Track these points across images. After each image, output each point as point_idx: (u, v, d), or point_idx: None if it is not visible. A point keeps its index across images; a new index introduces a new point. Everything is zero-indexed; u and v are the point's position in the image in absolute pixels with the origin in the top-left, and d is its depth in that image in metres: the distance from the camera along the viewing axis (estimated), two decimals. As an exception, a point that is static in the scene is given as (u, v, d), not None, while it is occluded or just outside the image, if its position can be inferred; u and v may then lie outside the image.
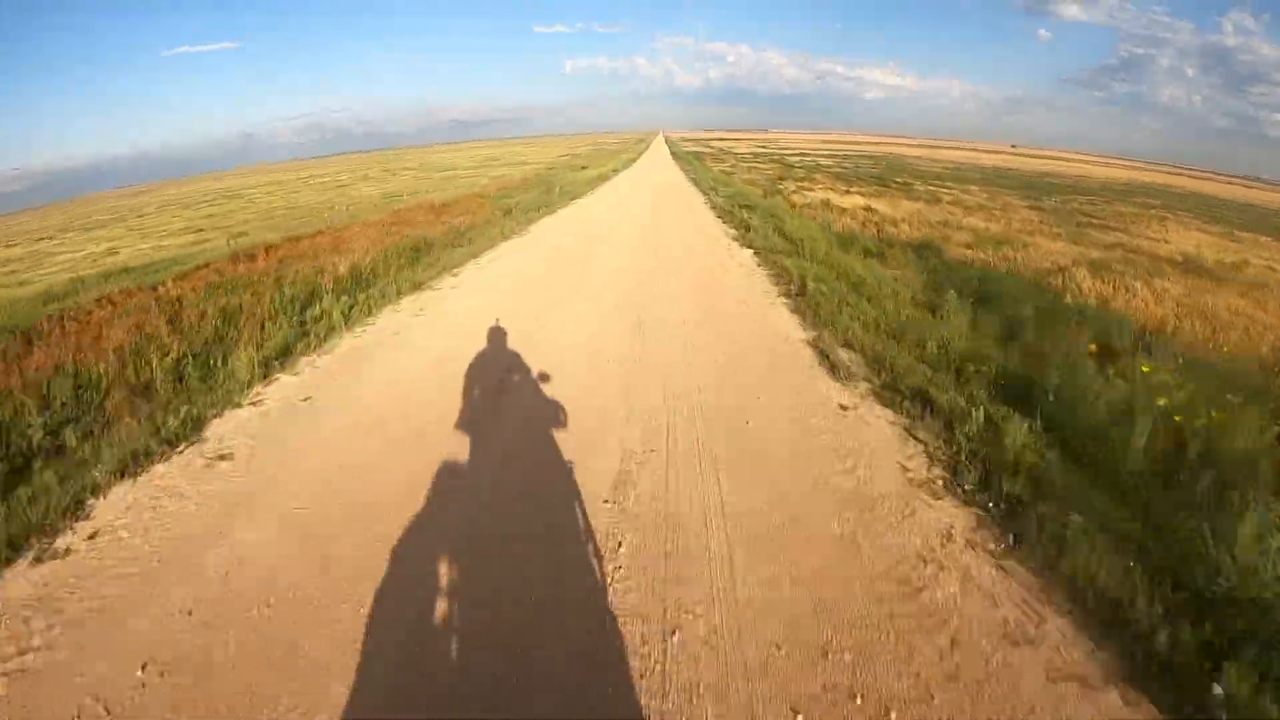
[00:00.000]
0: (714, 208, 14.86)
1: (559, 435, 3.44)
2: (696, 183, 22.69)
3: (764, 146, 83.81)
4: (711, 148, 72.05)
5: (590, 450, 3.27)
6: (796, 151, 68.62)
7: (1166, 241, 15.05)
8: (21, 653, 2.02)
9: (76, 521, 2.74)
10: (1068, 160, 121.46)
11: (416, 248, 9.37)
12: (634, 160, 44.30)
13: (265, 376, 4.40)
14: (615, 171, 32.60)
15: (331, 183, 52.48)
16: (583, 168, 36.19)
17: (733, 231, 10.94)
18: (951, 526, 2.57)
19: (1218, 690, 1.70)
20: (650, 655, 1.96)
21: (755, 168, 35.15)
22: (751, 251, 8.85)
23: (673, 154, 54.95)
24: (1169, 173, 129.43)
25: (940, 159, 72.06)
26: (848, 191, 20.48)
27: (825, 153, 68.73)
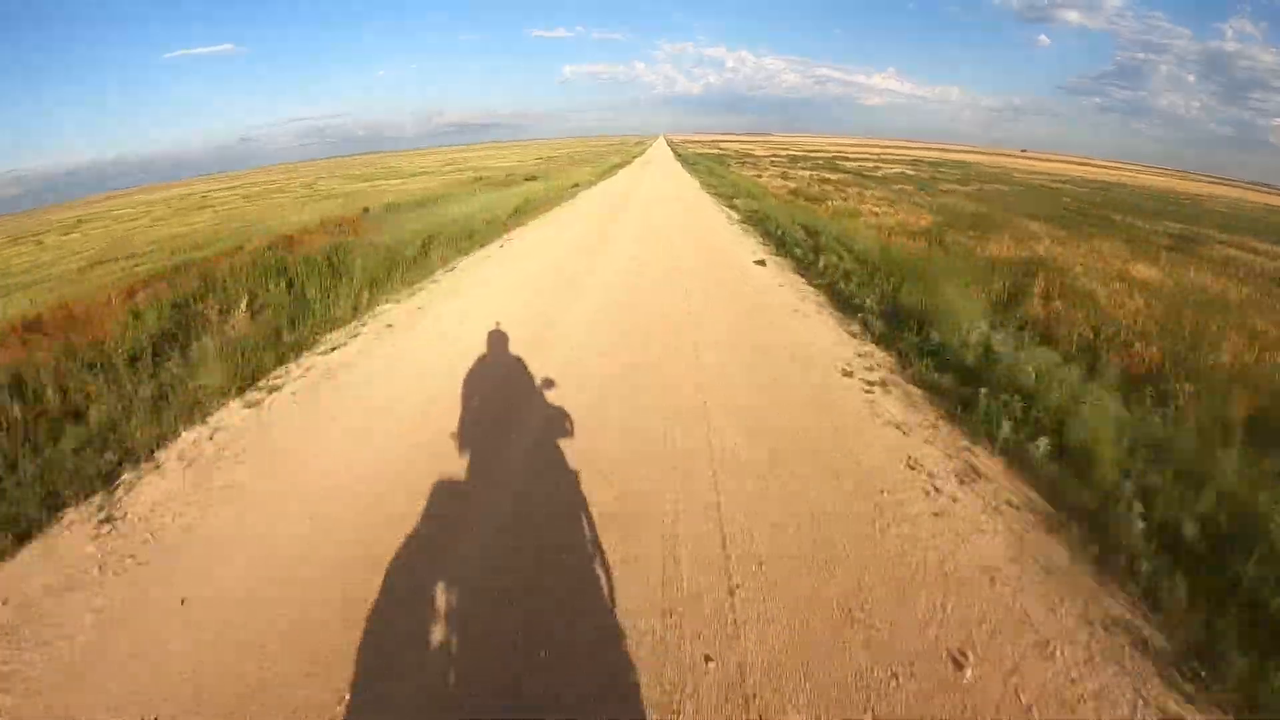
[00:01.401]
0: None
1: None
2: (802, 259, 7.57)
3: (784, 149, 68.81)
4: (723, 150, 57.13)
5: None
6: (832, 155, 53.60)
7: None
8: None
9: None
10: (1099, 167, 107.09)
11: None
12: (622, 166, 29.37)
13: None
14: (575, 189, 17.54)
15: (194, 203, 37.47)
16: (528, 179, 21.08)
17: None
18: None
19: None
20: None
21: (842, 186, 20.06)
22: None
23: (678, 157, 40.05)
24: (1212, 183, 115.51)
25: (1003, 166, 57.29)
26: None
27: (870, 157, 53.80)
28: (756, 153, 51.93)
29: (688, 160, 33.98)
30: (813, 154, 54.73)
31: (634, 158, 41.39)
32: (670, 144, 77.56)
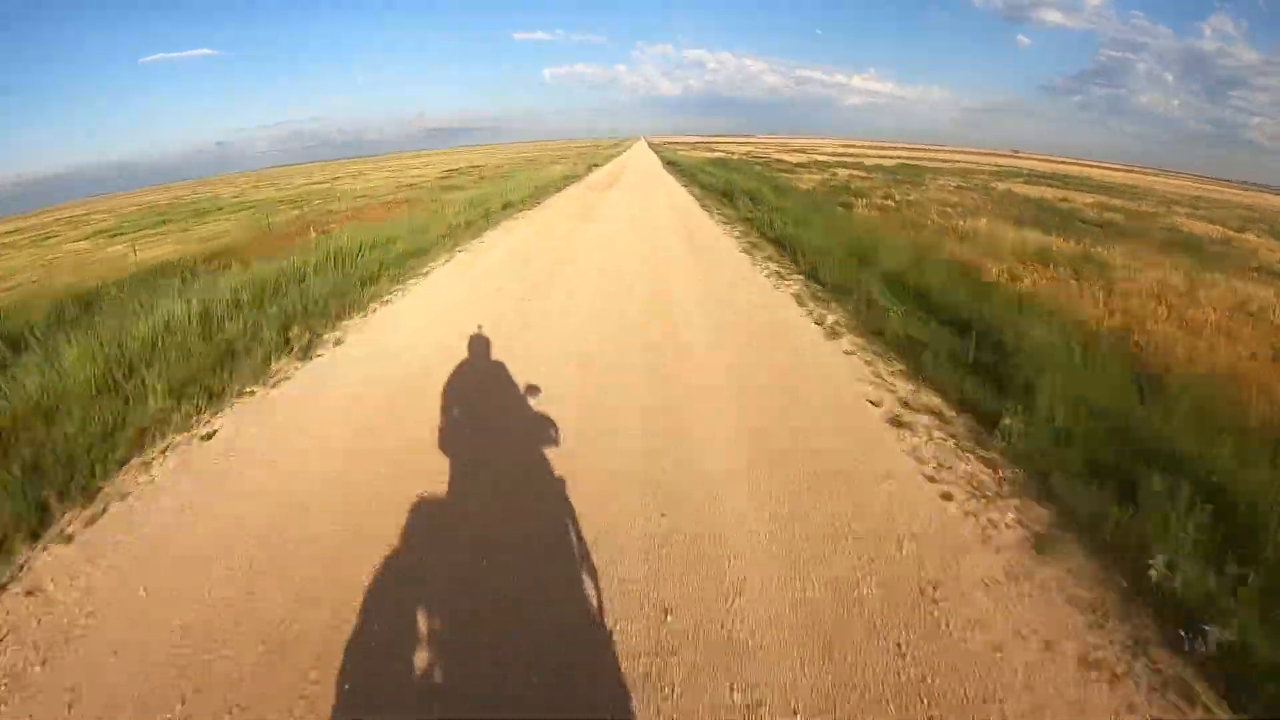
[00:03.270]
0: None
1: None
2: None
3: (797, 152, 52.39)
4: (730, 153, 40.40)
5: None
6: (897, 162, 37.26)
7: None
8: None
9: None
10: (1113, 170, 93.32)
11: None
12: (557, 187, 12.68)
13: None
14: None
15: None
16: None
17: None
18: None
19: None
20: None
21: None
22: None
23: (669, 165, 23.28)
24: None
25: (1132, 184, 41.75)
26: None
27: (927, 162, 37.70)
28: (785, 159, 35.32)
29: (698, 179, 16.96)
30: (861, 159, 38.31)
31: (595, 164, 24.62)
32: (653, 147, 60.47)
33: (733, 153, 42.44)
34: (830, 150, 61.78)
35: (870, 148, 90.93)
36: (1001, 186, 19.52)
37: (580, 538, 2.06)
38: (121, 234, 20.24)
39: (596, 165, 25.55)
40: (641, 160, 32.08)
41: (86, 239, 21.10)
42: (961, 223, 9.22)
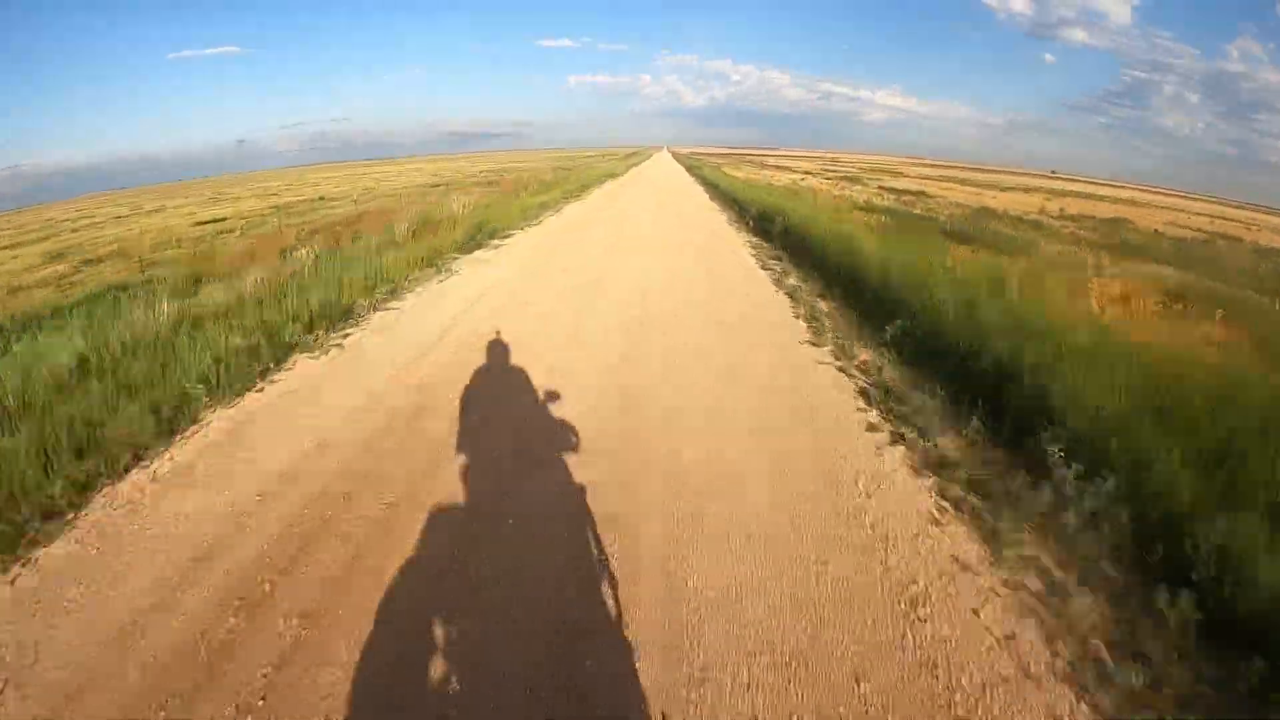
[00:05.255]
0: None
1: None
2: None
3: (890, 172, 37.66)
4: (788, 171, 25.72)
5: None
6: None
7: None
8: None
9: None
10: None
11: None
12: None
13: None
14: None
15: None
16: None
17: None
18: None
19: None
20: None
21: None
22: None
23: (754, 236, 8.56)
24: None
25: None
26: None
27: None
28: (920, 189, 20.68)
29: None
30: (957, 183, 23.58)
31: (547, 205, 10.74)
32: (677, 158, 46.52)
33: (796, 169, 27.94)
34: (916, 174, 47.28)
35: (943, 167, 76.17)
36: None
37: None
38: None
39: (550, 206, 11.06)
40: (659, 186, 17.70)
41: None
42: None
